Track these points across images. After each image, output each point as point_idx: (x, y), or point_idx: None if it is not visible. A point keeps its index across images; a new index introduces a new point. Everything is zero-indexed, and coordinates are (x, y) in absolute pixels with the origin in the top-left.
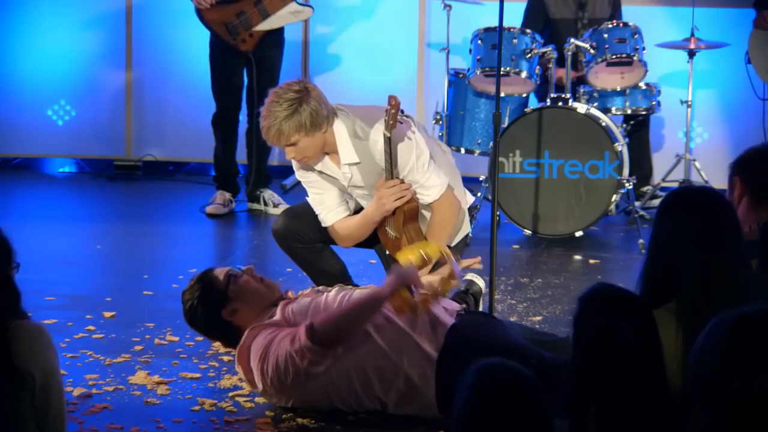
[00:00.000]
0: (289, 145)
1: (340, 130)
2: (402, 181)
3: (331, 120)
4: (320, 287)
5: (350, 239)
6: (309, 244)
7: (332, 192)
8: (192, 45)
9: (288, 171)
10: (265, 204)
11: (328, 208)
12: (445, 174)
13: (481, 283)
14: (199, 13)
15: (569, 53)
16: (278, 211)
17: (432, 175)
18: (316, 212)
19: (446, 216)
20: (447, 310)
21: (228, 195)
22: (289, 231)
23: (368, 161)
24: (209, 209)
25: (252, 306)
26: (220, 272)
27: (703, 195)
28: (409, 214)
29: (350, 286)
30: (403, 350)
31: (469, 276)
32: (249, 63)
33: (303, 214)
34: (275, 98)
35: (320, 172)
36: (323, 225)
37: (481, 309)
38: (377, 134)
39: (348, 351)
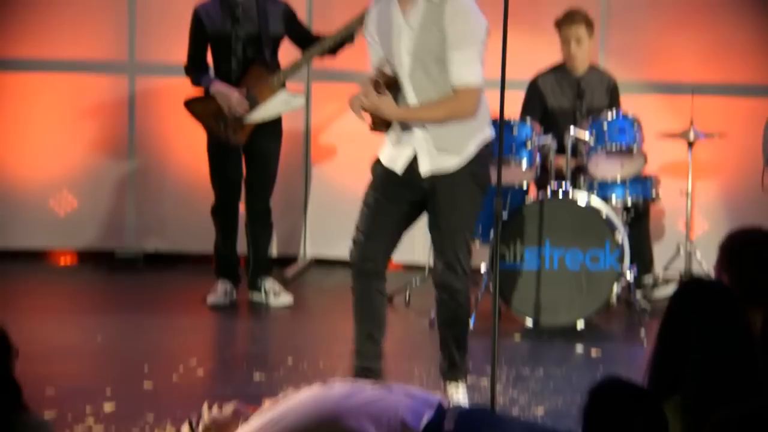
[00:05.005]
0: None
1: None
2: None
3: None
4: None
5: None
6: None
7: (377, 57)
8: (193, 135)
9: (289, 261)
10: (266, 294)
11: (372, 63)
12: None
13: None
14: (189, 105)
15: (569, 143)
16: (279, 301)
17: (476, 65)
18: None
19: (453, 106)
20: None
21: (229, 285)
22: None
23: (435, 16)
24: (210, 299)
25: None
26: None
27: (713, 292)
28: None
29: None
30: None
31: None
32: (244, 154)
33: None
34: None
35: (379, 27)
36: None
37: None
38: None
39: None
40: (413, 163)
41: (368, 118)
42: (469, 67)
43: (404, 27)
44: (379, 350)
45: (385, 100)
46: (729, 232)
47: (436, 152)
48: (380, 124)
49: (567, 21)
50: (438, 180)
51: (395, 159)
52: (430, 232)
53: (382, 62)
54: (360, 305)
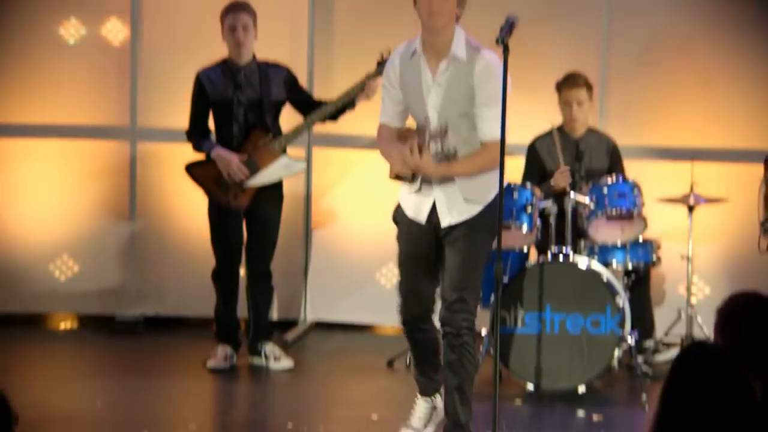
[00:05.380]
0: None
1: (459, 31)
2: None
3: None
4: None
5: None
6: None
7: (396, 106)
8: (193, 199)
9: (289, 325)
10: (266, 358)
11: (385, 112)
12: None
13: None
14: (190, 170)
15: (569, 207)
16: (279, 365)
17: (497, 120)
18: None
19: (485, 160)
20: None
21: (229, 349)
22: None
23: (467, 71)
24: (210, 364)
25: None
26: None
27: (714, 356)
28: None
29: None
30: None
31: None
32: (244, 218)
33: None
34: None
35: (402, 79)
36: (379, 120)
37: None
38: (489, 52)
39: None
40: (434, 209)
41: (390, 168)
42: (498, 123)
43: (433, 85)
44: (437, 384)
45: (425, 159)
46: (726, 297)
47: (463, 202)
48: (405, 175)
49: (568, 84)
50: (456, 226)
51: (420, 208)
52: (442, 272)
53: (398, 110)
54: (415, 351)
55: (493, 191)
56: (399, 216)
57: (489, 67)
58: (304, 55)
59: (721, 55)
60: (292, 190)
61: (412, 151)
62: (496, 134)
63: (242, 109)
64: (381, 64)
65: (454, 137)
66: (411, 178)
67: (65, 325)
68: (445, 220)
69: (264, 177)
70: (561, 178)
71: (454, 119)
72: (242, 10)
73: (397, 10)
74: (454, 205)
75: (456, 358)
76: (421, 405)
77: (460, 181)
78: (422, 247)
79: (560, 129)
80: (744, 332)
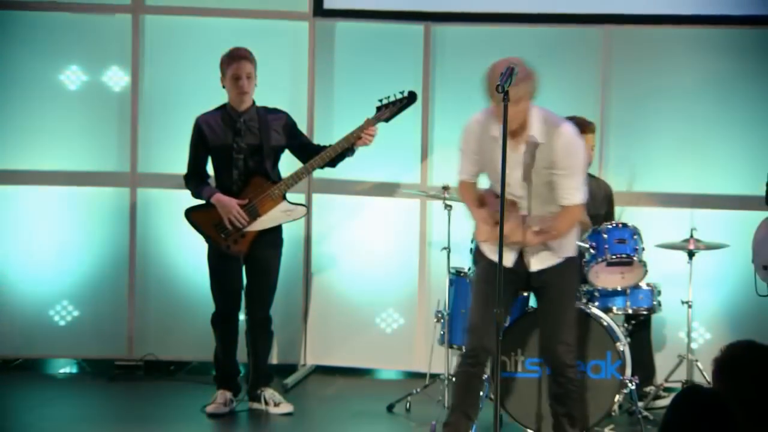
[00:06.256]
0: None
1: (534, 111)
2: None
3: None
4: None
5: (461, 200)
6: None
7: (474, 167)
8: (195, 243)
9: (289, 369)
10: (266, 403)
11: (465, 170)
12: None
13: None
14: (188, 215)
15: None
16: (279, 410)
17: (581, 186)
18: (458, 167)
19: (573, 222)
20: None
21: (229, 394)
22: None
23: (544, 151)
24: (210, 409)
25: None
26: None
27: (708, 400)
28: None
29: None
30: None
31: None
32: (244, 263)
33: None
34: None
35: (480, 147)
36: (458, 177)
37: None
38: (567, 126)
39: None
40: (520, 257)
41: (481, 232)
42: (579, 191)
43: (515, 160)
44: (470, 426)
45: (528, 234)
46: (723, 347)
47: (549, 253)
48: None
49: (579, 130)
50: (546, 271)
51: (505, 255)
52: (540, 316)
53: (475, 170)
54: (463, 388)
55: (575, 241)
56: (478, 257)
57: (569, 143)
58: (304, 100)
59: (720, 101)
60: (292, 234)
61: (514, 231)
62: (579, 199)
63: (242, 155)
64: (380, 109)
65: (534, 201)
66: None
67: (65, 369)
68: (535, 266)
69: (264, 223)
70: None
71: (537, 188)
72: (245, 59)
73: (397, 55)
74: (539, 254)
75: (562, 391)
76: None
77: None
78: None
79: None
80: (741, 382)
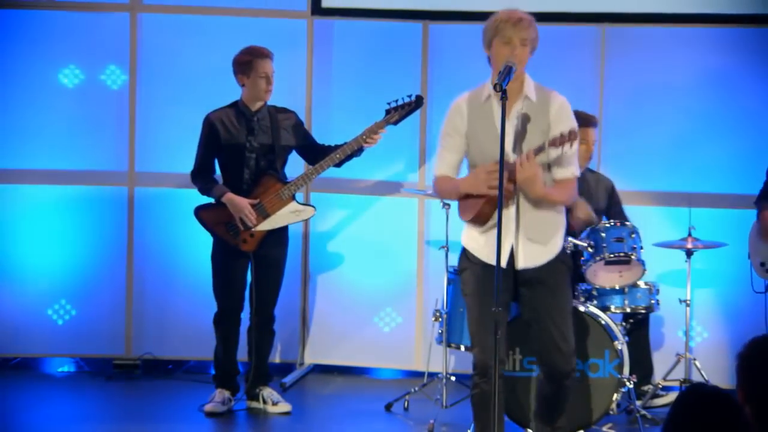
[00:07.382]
0: (524, 41)
1: (528, 76)
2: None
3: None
4: None
5: (441, 195)
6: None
7: (455, 156)
8: (193, 242)
9: (287, 369)
10: (264, 402)
11: (444, 162)
12: None
13: None
14: (198, 213)
15: (568, 251)
16: (277, 409)
17: (574, 161)
18: (436, 162)
19: (571, 193)
20: None
21: (227, 393)
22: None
23: (541, 110)
24: (208, 408)
25: None
26: None
27: (714, 398)
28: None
29: None
30: None
31: None
32: (251, 261)
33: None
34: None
35: (471, 124)
36: (433, 173)
37: None
38: (559, 94)
39: None
40: (511, 256)
41: (471, 210)
42: (573, 165)
43: (509, 125)
44: None
45: (539, 171)
46: (747, 342)
47: (529, 243)
48: (483, 219)
49: (582, 124)
50: (533, 271)
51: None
52: (531, 320)
53: (456, 160)
54: (482, 409)
55: (560, 235)
56: (465, 262)
57: (564, 107)
58: (303, 98)
59: (718, 100)
60: (291, 233)
61: (529, 157)
62: (575, 172)
63: (254, 154)
64: (389, 112)
65: None
66: (483, 222)
67: (63, 368)
68: (520, 263)
69: (273, 223)
70: (582, 211)
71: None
72: (270, 57)
73: (396, 53)
74: (522, 245)
75: (552, 393)
76: None
77: (525, 221)
78: (492, 293)
79: None
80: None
